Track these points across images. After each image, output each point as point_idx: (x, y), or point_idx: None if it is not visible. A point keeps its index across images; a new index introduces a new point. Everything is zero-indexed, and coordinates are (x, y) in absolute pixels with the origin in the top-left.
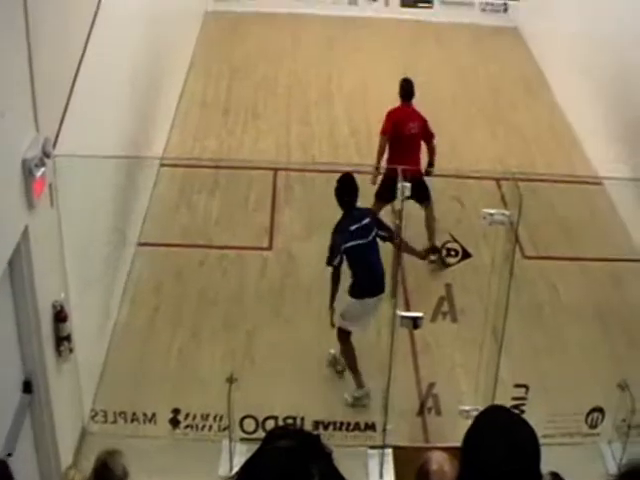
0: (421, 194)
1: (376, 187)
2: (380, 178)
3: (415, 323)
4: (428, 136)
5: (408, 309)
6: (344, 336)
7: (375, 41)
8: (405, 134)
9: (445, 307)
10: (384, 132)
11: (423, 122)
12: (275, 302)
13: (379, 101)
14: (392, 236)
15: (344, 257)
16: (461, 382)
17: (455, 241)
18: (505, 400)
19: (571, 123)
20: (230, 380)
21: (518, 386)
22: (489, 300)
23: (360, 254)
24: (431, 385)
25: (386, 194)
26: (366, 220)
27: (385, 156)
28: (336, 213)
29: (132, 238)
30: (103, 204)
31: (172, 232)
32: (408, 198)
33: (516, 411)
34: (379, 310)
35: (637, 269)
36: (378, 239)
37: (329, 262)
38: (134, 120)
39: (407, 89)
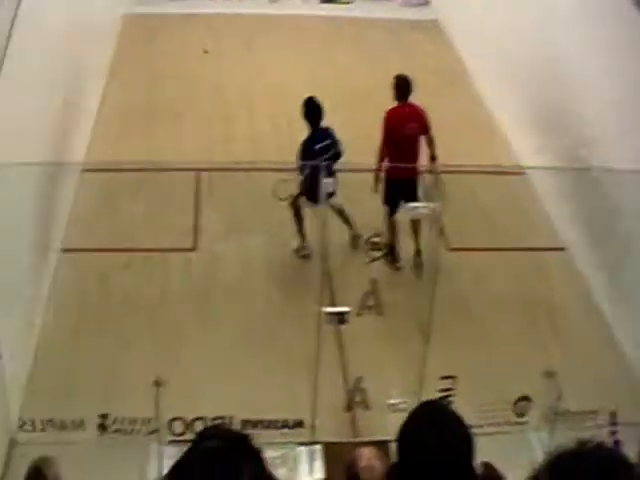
0: (411, 195)
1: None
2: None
3: (341, 318)
4: (426, 131)
5: (334, 305)
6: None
7: (294, 38)
8: (403, 135)
9: (371, 301)
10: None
11: (421, 119)
12: (200, 303)
13: (299, 98)
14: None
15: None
16: (389, 375)
17: (380, 235)
18: (432, 392)
19: (493, 114)
20: (157, 383)
21: (445, 378)
22: (415, 293)
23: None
24: (358, 379)
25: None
26: (328, 140)
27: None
28: (258, 212)
29: (56, 244)
30: (25, 212)
31: (96, 237)
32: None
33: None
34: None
35: (560, 258)
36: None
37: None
38: (55, 128)
39: (402, 87)
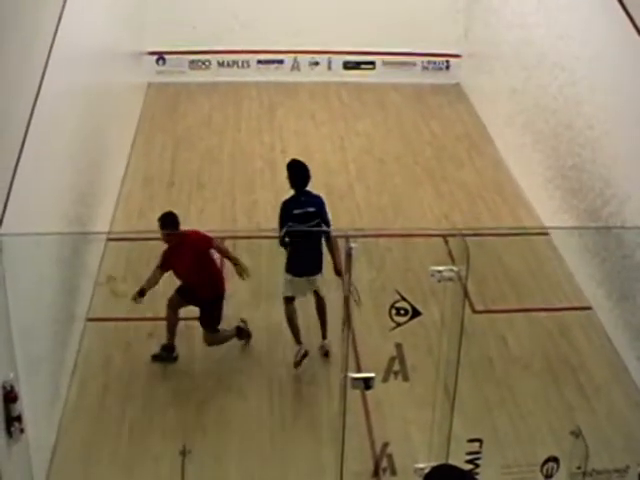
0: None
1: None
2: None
3: (367, 384)
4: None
5: (359, 370)
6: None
7: (318, 105)
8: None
9: (396, 366)
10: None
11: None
12: (225, 371)
13: (324, 165)
14: (328, 236)
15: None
16: (415, 440)
17: (404, 300)
18: (460, 455)
19: (515, 176)
20: (183, 453)
21: (472, 440)
22: (440, 357)
23: (297, 237)
24: (385, 445)
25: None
26: (311, 208)
27: None
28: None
29: (80, 313)
30: (50, 282)
31: (120, 306)
32: None
33: (471, 466)
34: (315, 285)
35: (586, 317)
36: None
37: (280, 239)
38: (79, 198)
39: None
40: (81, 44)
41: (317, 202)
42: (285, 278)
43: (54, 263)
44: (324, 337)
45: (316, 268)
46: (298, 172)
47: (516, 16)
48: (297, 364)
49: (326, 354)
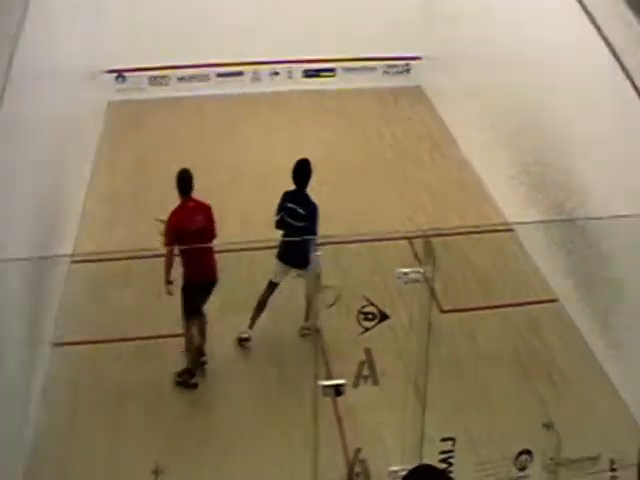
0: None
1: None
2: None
3: (337, 391)
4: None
5: (329, 377)
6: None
7: (281, 115)
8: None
9: (366, 371)
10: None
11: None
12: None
13: (288, 175)
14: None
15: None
16: (388, 443)
17: (371, 304)
18: (433, 455)
19: (479, 176)
20: (155, 472)
21: (445, 440)
22: (409, 358)
23: (286, 228)
24: (358, 450)
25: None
26: (302, 210)
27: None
28: (252, 290)
29: (46, 338)
30: (14, 308)
31: (87, 328)
32: None
33: (444, 465)
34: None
35: (553, 309)
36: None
37: (276, 214)
38: (41, 222)
39: (299, 172)
40: (40, 66)
41: (310, 207)
42: (274, 262)
43: (17, 289)
44: (306, 320)
45: (300, 262)
46: (298, 170)
47: (477, 15)
48: (241, 343)
49: (302, 334)
